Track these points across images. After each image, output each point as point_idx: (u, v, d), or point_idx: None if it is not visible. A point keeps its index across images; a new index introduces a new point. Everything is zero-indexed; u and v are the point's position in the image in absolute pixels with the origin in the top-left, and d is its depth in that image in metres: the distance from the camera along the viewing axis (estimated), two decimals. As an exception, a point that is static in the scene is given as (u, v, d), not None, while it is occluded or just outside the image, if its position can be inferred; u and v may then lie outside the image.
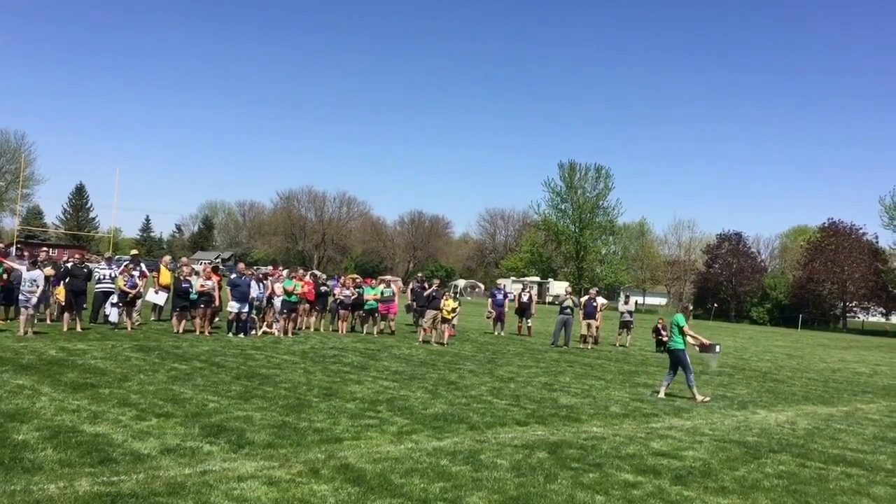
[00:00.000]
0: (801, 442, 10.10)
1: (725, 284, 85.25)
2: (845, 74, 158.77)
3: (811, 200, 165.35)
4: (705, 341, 13.82)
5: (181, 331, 18.33)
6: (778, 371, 20.79)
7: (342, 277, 25.36)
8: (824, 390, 16.65)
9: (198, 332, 18.40)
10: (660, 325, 24.00)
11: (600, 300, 23.95)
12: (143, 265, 21.05)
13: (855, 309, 78.78)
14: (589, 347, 22.85)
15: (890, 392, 17.07)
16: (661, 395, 13.45)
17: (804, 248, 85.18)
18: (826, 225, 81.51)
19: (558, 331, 23.05)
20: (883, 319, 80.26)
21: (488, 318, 27.28)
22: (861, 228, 79.18)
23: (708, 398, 13.34)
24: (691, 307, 14.07)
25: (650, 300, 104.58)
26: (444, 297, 21.20)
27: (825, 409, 13.54)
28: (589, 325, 23.23)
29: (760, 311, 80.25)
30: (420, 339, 20.67)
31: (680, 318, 13.49)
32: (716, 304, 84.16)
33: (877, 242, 78.81)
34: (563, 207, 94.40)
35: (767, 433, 10.61)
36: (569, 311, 23.02)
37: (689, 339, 13.47)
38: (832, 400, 15.01)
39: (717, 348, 13.52)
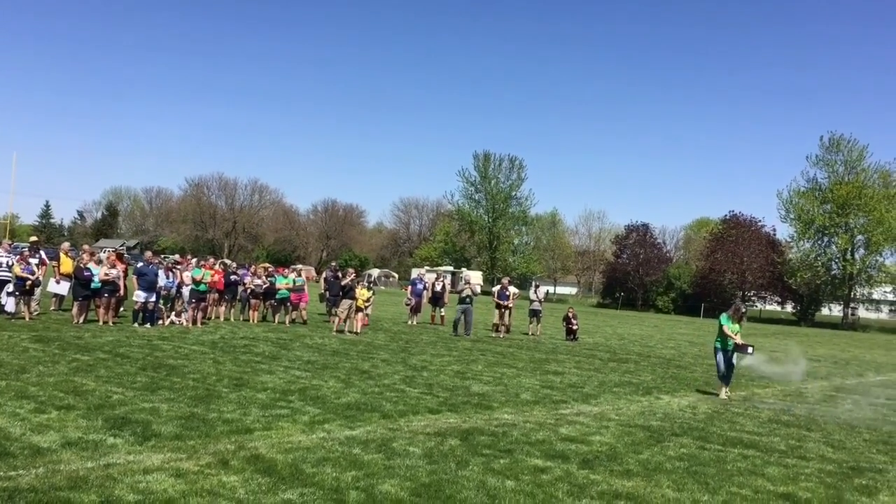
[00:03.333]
0: (702, 425, 10.51)
1: (633, 274, 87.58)
2: (744, 72, 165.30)
3: (714, 193, 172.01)
4: (739, 341, 13.83)
5: (82, 321, 17.69)
6: (681, 358, 21.54)
7: (253, 266, 24.96)
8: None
9: (101, 322, 17.80)
10: (570, 314, 24.51)
11: (512, 289, 24.25)
12: (42, 252, 20.20)
13: (753, 298, 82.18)
14: (501, 336, 23.14)
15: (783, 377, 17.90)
16: (723, 395, 13.61)
17: (707, 239, 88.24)
18: (727, 217, 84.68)
19: (458, 320, 23.05)
20: (779, 308, 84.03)
21: (407, 304, 27.36)
22: (760, 221, 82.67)
23: (726, 397, 13.55)
24: (744, 309, 14.27)
25: (561, 290, 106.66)
26: (359, 287, 21.12)
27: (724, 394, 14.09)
28: (501, 315, 23.50)
29: (665, 300, 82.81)
30: (334, 329, 20.53)
31: (723, 317, 13.89)
32: (622, 293, 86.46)
33: (774, 234, 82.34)
34: (476, 198, 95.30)
35: (670, 417, 11.00)
36: (468, 300, 22.98)
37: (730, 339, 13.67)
38: (731, 385, 15.61)
39: (749, 349, 13.80)
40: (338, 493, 6.10)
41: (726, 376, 13.82)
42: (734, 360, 13.86)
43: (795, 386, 16.35)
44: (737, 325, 13.86)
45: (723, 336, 13.79)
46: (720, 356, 13.78)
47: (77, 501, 5.44)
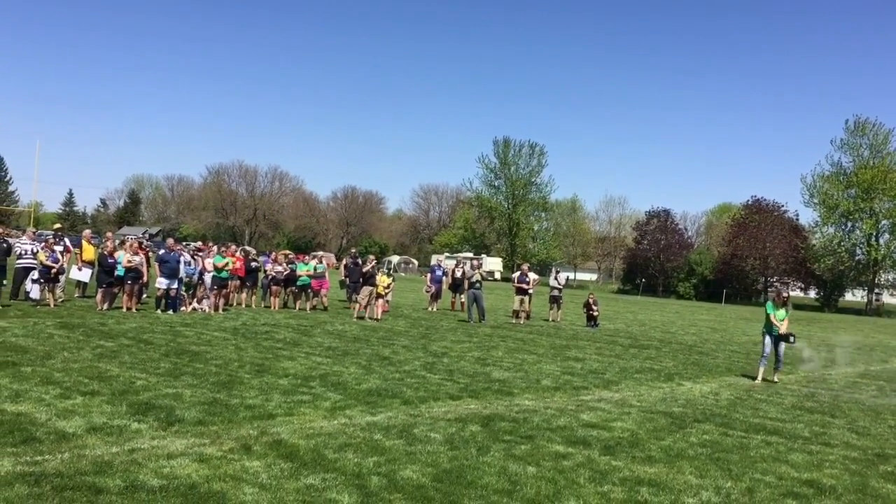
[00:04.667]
0: (724, 412, 10.44)
1: (654, 260, 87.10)
2: (767, 56, 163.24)
3: (736, 179, 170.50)
4: (783, 331, 14.08)
5: (106, 308, 17.87)
6: (703, 344, 21.41)
7: (273, 253, 25.07)
8: (746, 362, 17.22)
9: (124, 309, 17.97)
10: (590, 300, 24.41)
11: (532, 275, 24.15)
12: (66, 240, 20.39)
13: (776, 284, 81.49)
14: (521, 322, 23.10)
15: (807, 363, 17.75)
16: (774, 378, 14.02)
17: (729, 224, 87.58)
18: (750, 202, 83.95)
19: (470, 306, 22.77)
20: (801, 294, 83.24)
21: (427, 292, 27.41)
22: (783, 206, 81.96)
23: (771, 380, 13.96)
24: (786, 293, 14.64)
25: (581, 276, 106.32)
26: (379, 273, 21.15)
27: (747, 381, 14.01)
28: (522, 301, 23.43)
29: (687, 286, 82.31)
30: (354, 315, 20.59)
31: (768, 304, 14.34)
32: (643, 280, 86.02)
33: (797, 219, 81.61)
34: (496, 184, 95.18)
35: (692, 404, 10.93)
36: (478, 285, 22.74)
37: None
38: (753, 371, 15.53)
39: (791, 339, 14.08)
40: (359, 478, 6.12)
41: (777, 361, 14.10)
42: (780, 349, 14.09)
43: (819, 372, 16.20)
44: (782, 311, 14.14)
45: (769, 323, 14.11)
46: (767, 340, 14.14)
47: (102, 486, 5.49)
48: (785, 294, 14.52)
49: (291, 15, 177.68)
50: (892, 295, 79.19)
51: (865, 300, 74.82)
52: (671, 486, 6.57)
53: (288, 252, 24.58)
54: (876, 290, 75.44)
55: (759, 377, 13.97)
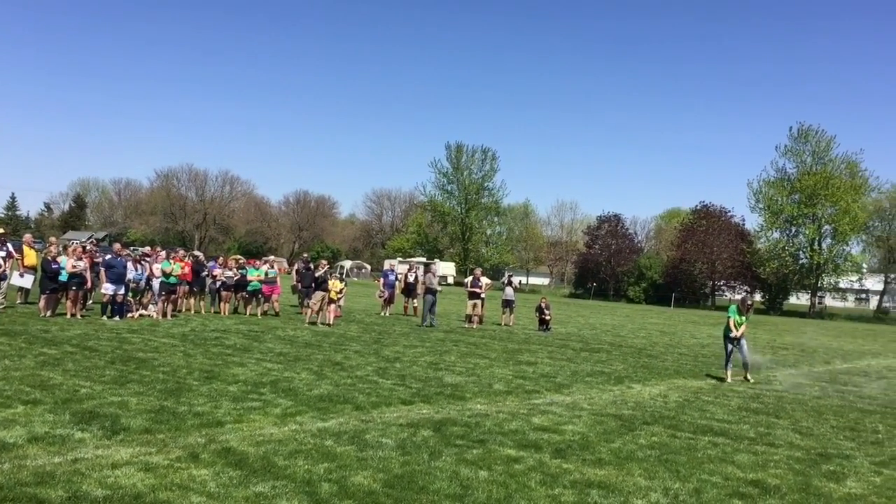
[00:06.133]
0: (673, 414, 10.59)
1: (605, 265, 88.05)
2: (715, 64, 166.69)
3: (685, 184, 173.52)
4: (737, 334, 14.80)
5: (50, 314, 17.43)
6: (652, 347, 21.70)
7: (221, 257, 24.73)
8: (694, 365, 17.51)
9: (69, 315, 17.54)
10: (543, 305, 24.57)
11: (485, 280, 24.23)
12: (9, 245, 19.82)
13: (723, 287, 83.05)
14: (474, 327, 23.16)
15: (752, 366, 18.10)
16: (748, 377, 14.88)
17: (677, 229, 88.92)
18: (698, 207, 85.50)
19: (426, 311, 22.91)
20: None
21: (380, 297, 27.29)
22: (730, 211, 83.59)
23: (730, 380, 14.68)
24: (750, 301, 15.52)
25: (533, 280, 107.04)
26: (331, 278, 21.02)
27: (695, 383, 14.25)
28: (475, 305, 23.49)
29: (637, 290, 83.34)
30: (306, 321, 20.43)
31: (731, 309, 15.10)
32: (594, 284, 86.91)
33: (743, 224, 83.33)
34: (449, 189, 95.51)
35: (641, 406, 11.07)
36: (434, 290, 22.87)
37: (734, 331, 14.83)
38: (701, 374, 15.80)
39: (737, 342, 14.86)
40: (310, 485, 6.06)
41: (744, 360, 14.94)
42: (744, 350, 14.87)
43: (764, 374, 16.55)
44: (743, 317, 14.91)
45: (728, 327, 14.87)
46: (728, 345, 14.92)
47: (44, 497, 5.35)
48: (749, 302, 15.40)
49: (241, 18, 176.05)
50: (833, 298, 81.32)
51: (809, 303, 76.66)
52: (621, 487, 6.64)
53: (239, 257, 24.27)
54: (819, 293, 77.31)
55: (729, 378, 14.74)
